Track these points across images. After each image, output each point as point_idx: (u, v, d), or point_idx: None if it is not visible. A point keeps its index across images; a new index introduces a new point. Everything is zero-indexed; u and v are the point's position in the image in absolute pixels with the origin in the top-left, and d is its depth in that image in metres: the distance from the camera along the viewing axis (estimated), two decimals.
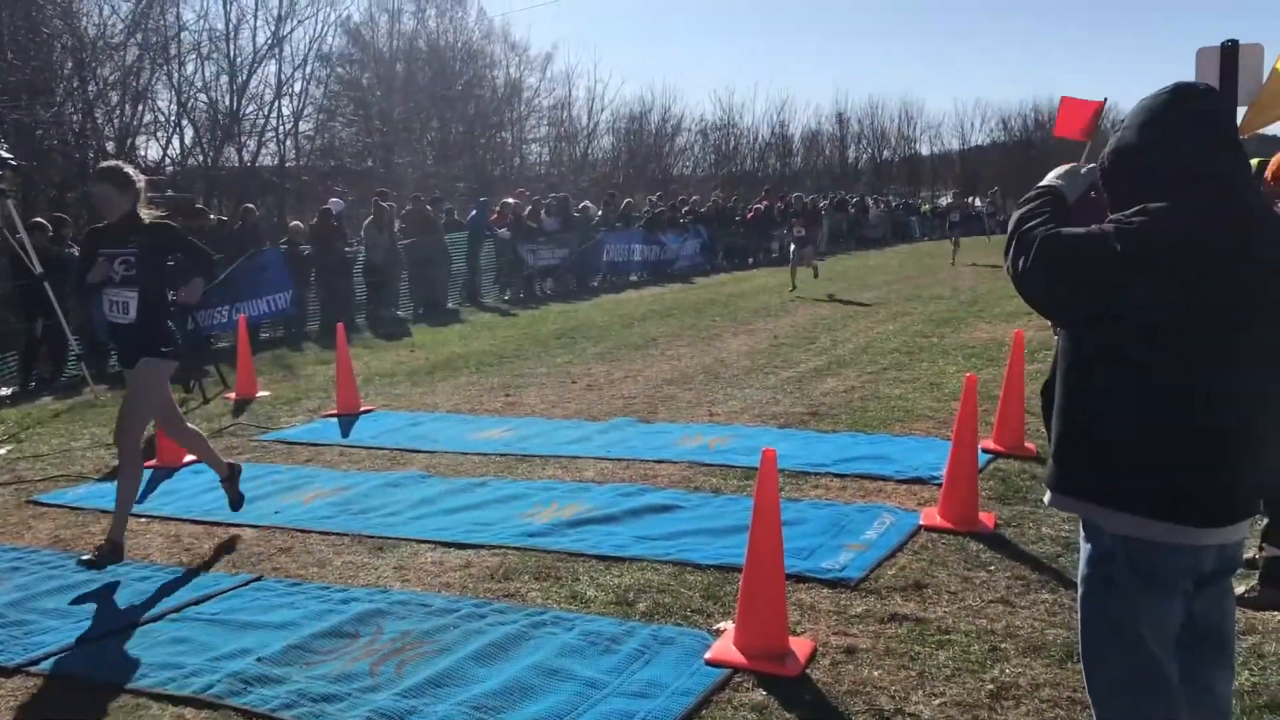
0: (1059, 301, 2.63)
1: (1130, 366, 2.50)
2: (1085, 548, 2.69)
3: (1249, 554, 4.57)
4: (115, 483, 6.06)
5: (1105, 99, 9.98)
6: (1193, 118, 2.57)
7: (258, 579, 5.45)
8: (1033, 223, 2.65)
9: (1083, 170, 2.82)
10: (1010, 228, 2.73)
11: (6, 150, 10.73)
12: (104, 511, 6.89)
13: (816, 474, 6.95)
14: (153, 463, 8.05)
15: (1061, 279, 2.56)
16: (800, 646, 4.30)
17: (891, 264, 21.76)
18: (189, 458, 8.13)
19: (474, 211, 20.95)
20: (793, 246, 19.84)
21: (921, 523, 5.83)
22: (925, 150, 71.43)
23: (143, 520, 6.70)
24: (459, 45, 41.82)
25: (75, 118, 27.15)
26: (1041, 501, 6.07)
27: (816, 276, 19.99)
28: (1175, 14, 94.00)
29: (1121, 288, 2.46)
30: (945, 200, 44.23)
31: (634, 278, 24.32)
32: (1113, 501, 2.56)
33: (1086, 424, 2.60)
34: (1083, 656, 2.75)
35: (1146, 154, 2.60)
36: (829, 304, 17.41)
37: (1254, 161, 5.22)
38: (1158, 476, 2.49)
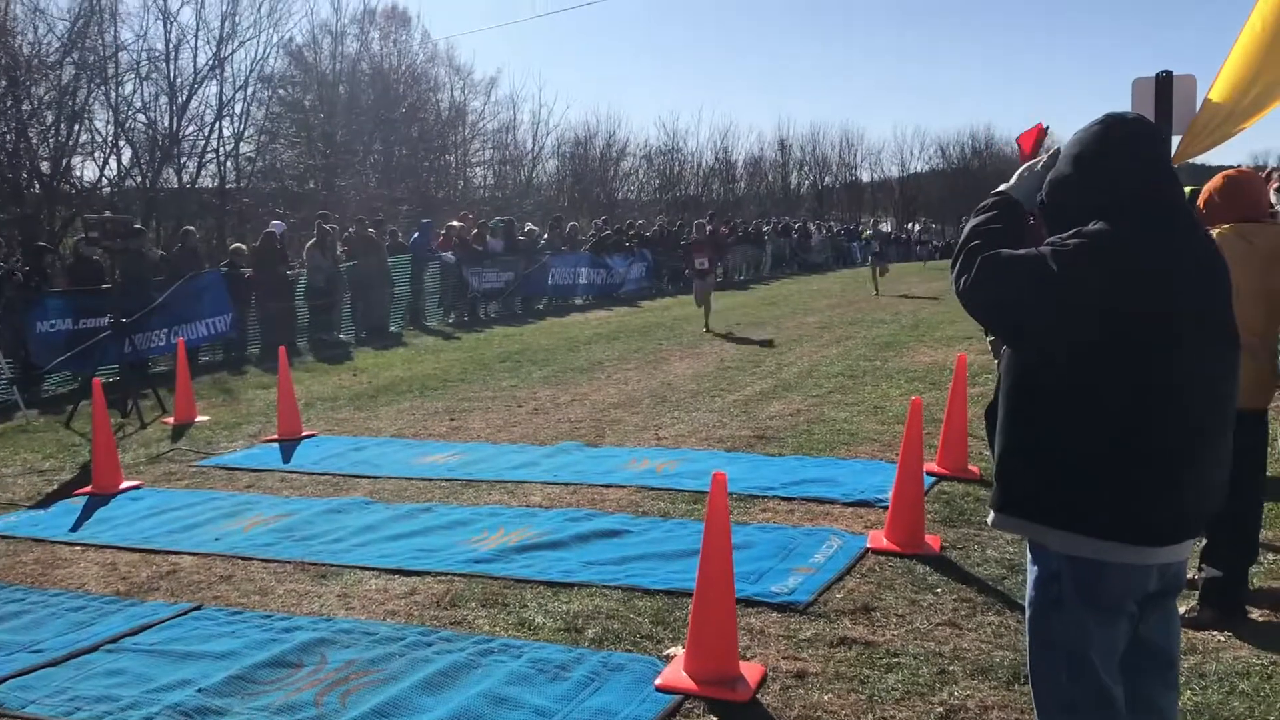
0: (999, 320, 2.69)
1: (1070, 387, 2.54)
2: (1032, 570, 2.71)
3: (1189, 574, 4.64)
4: (46, 511, 5.91)
5: (1043, 123, 10.22)
6: (1124, 147, 2.63)
7: (197, 608, 5.33)
8: (977, 241, 2.69)
9: (1038, 168, 2.86)
10: (960, 240, 2.77)
11: None
12: (37, 540, 6.74)
13: (764, 497, 6.96)
14: (88, 489, 7.88)
15: (1002, 299, 2.60)
16: (751, 671, 4.29)
17: (834, 289, 22.00)
18: (125, 483, 7.97)
19: (416, 234, 20.82)
20: (695, 281, 17.79)
21: (869, 545, 5.86)
22: (866, 177, 72.54)
23: (78, 548, 6.54)
24: (403, 68, 41.69)
25: (8, 137, 26.62)
26: (986, 524, 6.14)
27: (707, 326, 17.23)
28: (1112, 46, 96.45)
29: (1058, 308, 2.50)
30: (867, 230, 43.02)
31: (579, 301, 24.30)
32: (1056, 520, 2.58)
33: (1028, 444, 2.63)
34: (1031, 678, 2.77)
35: (1080, 184, 2.66)
36: (773, 328, 17.50)
37: (1186, 190, 5.34)
38: (1100, 496, 2.52)
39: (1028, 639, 2.73)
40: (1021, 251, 2.61)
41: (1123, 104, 6.41)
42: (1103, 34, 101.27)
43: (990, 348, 8.90)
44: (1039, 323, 2.55)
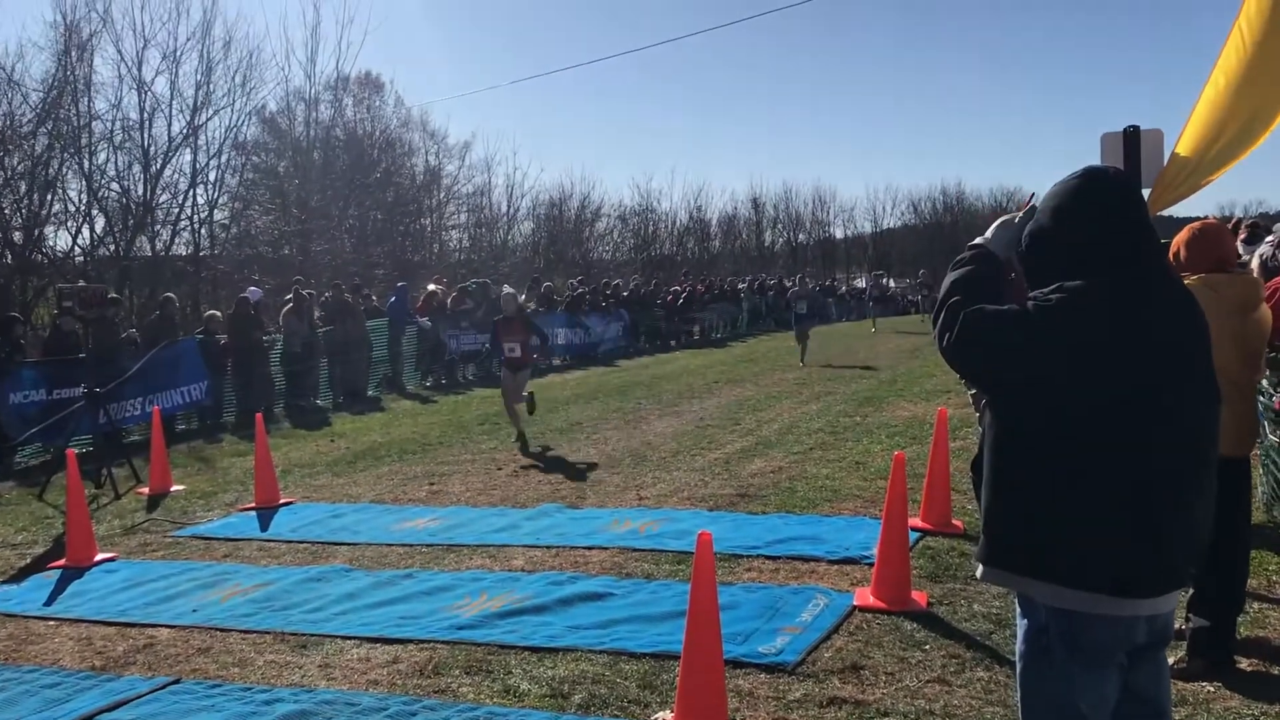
0: (981, 377, 2.71)
1: (1054, 439, 2.54)
2: (1021, 623, 2.70)
3: (1176, 625, 4.63)
4: (19, 585, 5.80)
5: (1032, 195, 10.42)
6: (1104, 200, 2.66)
7: (175, 681, 5.23)
8: (958, 297, 2.71)
9: (1016, 220, 2.89)
10: (940, 296, 2.78)
11: None
12: (9, 615, 6.61)
13: (749, 556, 6.92)
14: (61, 562, 7.76)
15: (984, 356, 2.62)
16: None
17: (812, 345, 22.06)
18: (100, 556, 7.85)
19: (393, 298, 20.81)
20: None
21: (855, 603, 5.82)
22: (839, 233, 73.26)
23: (52, 623, 6.42)
24: (377, 133, 41.91)
25: None
26: (973, 579, 6.12)
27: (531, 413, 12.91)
28: (1079, 101, 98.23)
29: (1041, 364, 2.52)
30: (793, 287, 40.89)
31: (557, 361, 24.28)
32: (1041, 573, 2.58)
33: (1014, 497, 2.63)
34: None
35: (1060, 237, 2.69)
36: (752, 384, 17.53)
37: None
38: (1084, 548, 2.52)
39: (1019, 693, 2.71)
40: (1004, 307, 2.63)
41: (1091, 158, 6.51)
42: (1070, 89, 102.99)
43: (971, 400, 8.92)
44: (1021, 377, 2.57)
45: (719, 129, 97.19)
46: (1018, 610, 2.71)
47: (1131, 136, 6.65)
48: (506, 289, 14.41)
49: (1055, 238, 2.70)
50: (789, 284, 32.42)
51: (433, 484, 10.18)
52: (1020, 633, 2.70)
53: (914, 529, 7.05)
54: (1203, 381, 2.61)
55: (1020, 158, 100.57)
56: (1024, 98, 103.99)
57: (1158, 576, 2.56)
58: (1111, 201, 2.66)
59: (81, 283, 15.26)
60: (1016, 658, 2.71)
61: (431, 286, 22.02)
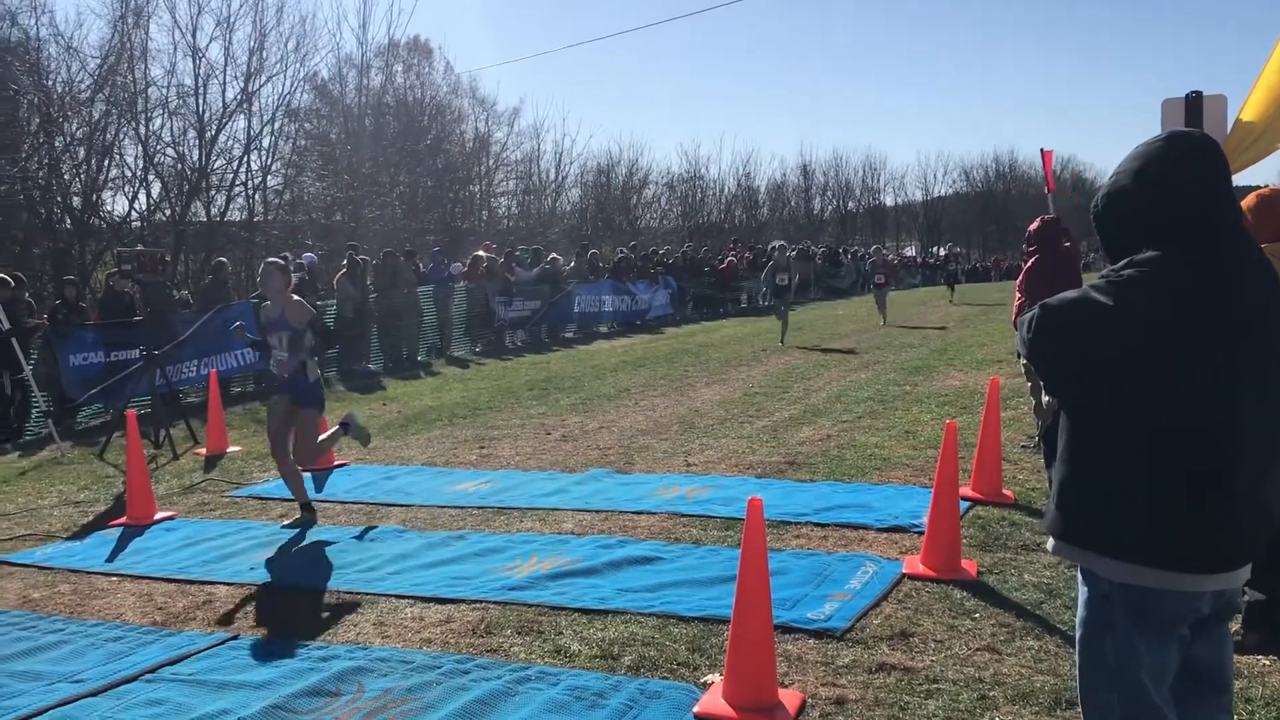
0: (1062, 364, 2.65)
1: (1126, 417, 2.52)
2: (1082, 591, 2.69)
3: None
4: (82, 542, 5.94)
5: (1041, 150, 10.28)
6: (1188, 164, 2.59)
7: (234, 637, 5.36)
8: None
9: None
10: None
11: None
12: (73, 570, 6.78)
13: (797, 523, 6.94)
14: (122, 520, 7.93)
15: (1059, 342, 2.58)
16: (789, 698, 4.26)
17: (860, 313, 21.86)
18: (159, 514, 8.02)
19: (432, 265, 20.99)
20: None
21: (904, 571, 5.82)
22: (889, 201, 72.58)
23: (114, 579, 6.58)
24: (427, 100, 42.06)
25: (40, 173, 27.00)
26: (1024, 548, 6.10)
27: None
28: (1139, 66, 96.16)
29: (1112, 343, 2.49)
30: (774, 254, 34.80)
31: (604, 329, 24.35)
32: (1113, 550, 2.56)
33: (1086, 473, 2.61)
34: (1081, 701, 2.74)
35: (1141, 200, 2.62)
36: (800, 353, 17.47)
37: None
38: (1156, 525, 2.50)
39: (1078, 661, 2.70)
40: (1073, 294, 2.60)
41: (1151, 126, 6.39)
42: (1130, 54, 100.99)
43: (1024, 372, 8.85)
44: (1094, 357, 2.53)
45: (769, 96, 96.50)
46: (1080, 579, 2.70)
47: (1194, 103, 6.52)
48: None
49: (1134, 201, 2.64)
50: (771, 249, 26.21)
51: (483, 448, 10.28)
52: (1081, 601, 2.69)
53: (964, 498, 7.01)
54: (1278, 354, 2.55)
55: (1076, 125, 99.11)
56: (1081, 63, 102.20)
57: (1226, 553, 2.54)
58: (1194, 165, 2.59)
59: (139, 247, 15.48)
60: (1077, 625, 2.70)
61: (482, 252, 22.11)
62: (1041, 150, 10.24)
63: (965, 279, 46.27)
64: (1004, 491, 7.29)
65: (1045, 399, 3.61)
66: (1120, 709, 2.60)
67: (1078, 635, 2.70)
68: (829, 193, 68.05)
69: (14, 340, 10.64)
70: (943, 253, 49.76)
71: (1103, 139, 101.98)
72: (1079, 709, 2.75)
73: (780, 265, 19.39)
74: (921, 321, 19.80)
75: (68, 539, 7.66)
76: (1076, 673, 2.72)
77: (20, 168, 25.46)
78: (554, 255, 25.09)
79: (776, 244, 26.25)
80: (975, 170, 74.83)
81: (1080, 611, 2.69)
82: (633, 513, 7.42)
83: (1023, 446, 8.82)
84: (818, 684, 4.48)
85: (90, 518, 8.29)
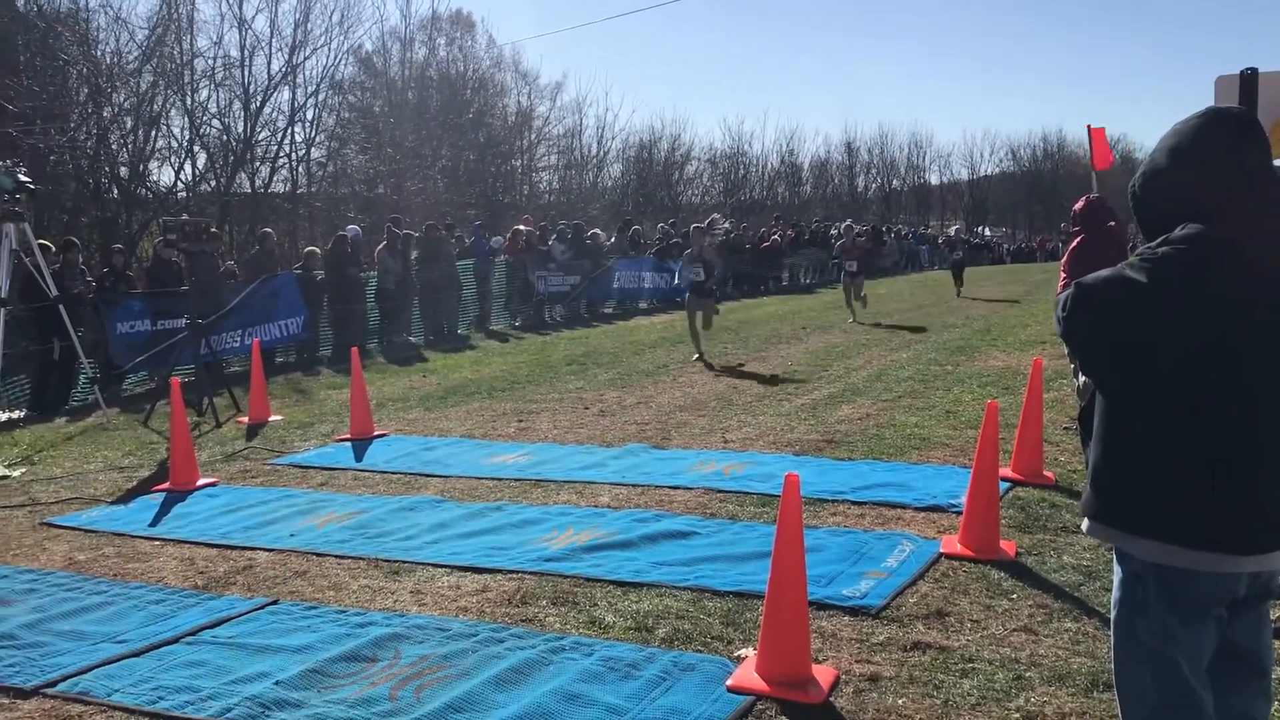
0: (1099, 346, 2.61)
1: (1165, 396, 2.48)
2: (1117, 571, 2.66)
3: None
4: (126, 506, 6.03)
5: (1088, 126, 10.08)
6: (1225, 141, 2.54)
7: (274, 602, 5.42)
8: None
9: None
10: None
11: (24, 174, 10.77)
12: (117, 534, 6.90)
13: (834, 501, 6.91)
14: (165, 486, 8.05)
15: (1092, 321, 2.55)
16: (823, 674, 4.26)
17: (903, 292, 21.67)
18: (202, 480, 8.13)
19: (473, 238, 21.07)
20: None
21: (942, 550, 5.78)
22: (935, 179, 71.89)
23: (157, 543, 6.69)
24: (470, 73, 42.12)
25: (89, 143, 27.33)
26: (1063, 530, 6.05)
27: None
28: (1192, 42, 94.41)
29: (1147, 322, 2.45)
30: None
31: (644, 305, 24.33)
32: (1146, 530, 2.53)
33: (1122, 454, 2.58)
34: (1115, 682, 2.71)
35: (1176, 177, 2.58)
36: (841, 332, 17.38)
37: None
38: (1191, 506, 2.47)
39: (1112, 642, 2.68)
40: (1108, 272, 2.56)
41: (1203, 103, 6.26)
42: (1182, 30, 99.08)
43: (1067, 352, 8.74)
44: (1129, 337, 2.50)
45: (814, 71, 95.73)
46: (1115, 558, 2.68)
47: (1249, 80, 6.36)
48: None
49: (1171, 179, 2.59)
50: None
51: (521, 421, 10.32)
52: (1116, 580, 2.66)
53: (1004, 479, 6.95)
54: None
55: (1127, 104, 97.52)
56: (1131, 39, 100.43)
57: (1264, 534, 2.50)
58: (1230, 142, 2.54)
59: (185, 216, 15.65)
60: (1111, 606, 2.68)
61: (522, 226, 22.15)
62: (1089, 127, 10.03)
63: (1009, 259, 45.73)
64: (1045, 473, 7.22)
65: (1081, 379, 3.57)
66: (1154, 690, 2.57)
67: (1112, 616, 2.67)
68: (873, 170, 67.52)
69: (62, 307, 10.78)
70: (950, 232, 46.12)
71: (1155, 118, 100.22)
72: (1115, 691, 2.73)
73: (695, 256, 19.21)
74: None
75: (112, 503, 7.78)
76: (1111, 653, 2.70)
77: (69, 137, 25.77)
78: (595, 230, 25.07)
79: (844, 223, 26.53)
80: (1023, 149, 73.90)
81: (1115, 592, 2.66)
82: (669, 487, 7.42)
83: (1065, 428, 8.72)
84: (852, 661, 4.47)
85: (134, 483, 8.42)
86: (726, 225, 25.32)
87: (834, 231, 27.01)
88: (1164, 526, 2.50)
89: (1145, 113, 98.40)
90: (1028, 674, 4.28)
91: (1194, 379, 2.45)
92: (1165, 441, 2.49)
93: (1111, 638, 2.69)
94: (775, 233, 31.82)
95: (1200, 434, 2.45)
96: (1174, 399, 2.47)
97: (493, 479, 7.93)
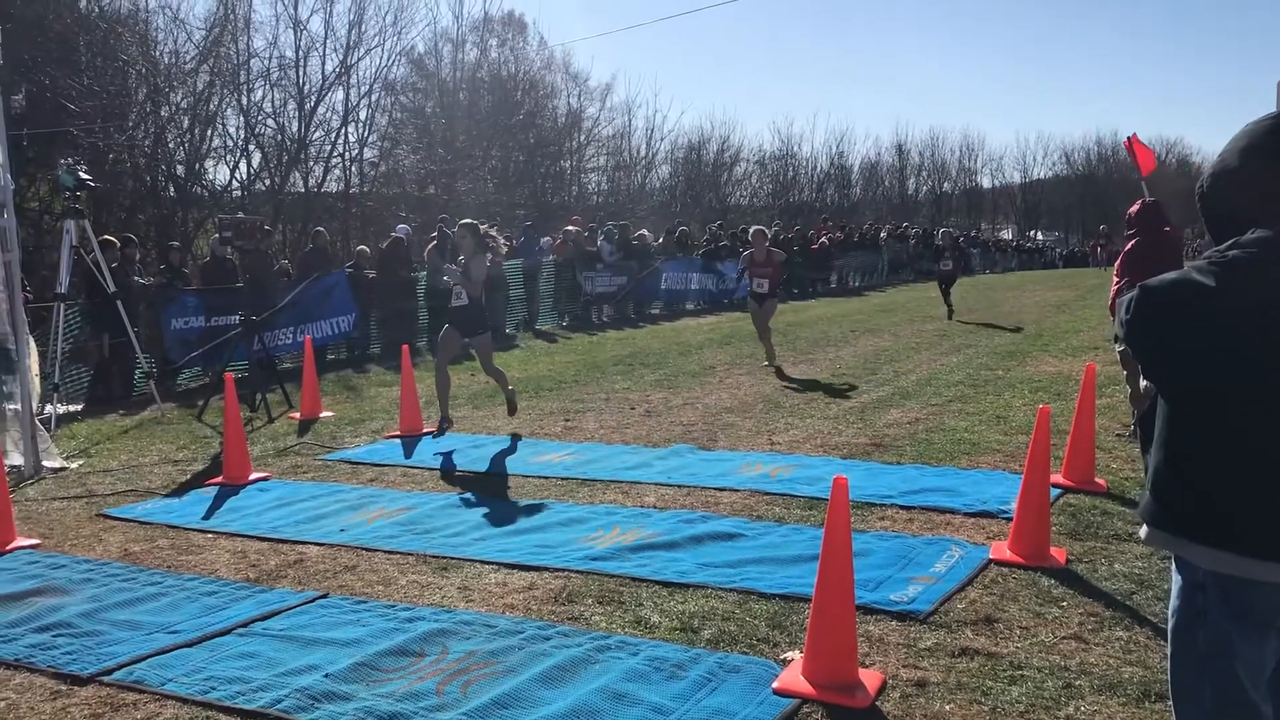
0: (1163, 351, 2.57)
1: (1230, 402, 2.44)
2: (1176, 579, 2.61)
3: None
4: (180, 499, 6.12)
5: (1131, 136, 9.95)
6: None
7: (324, 596, 5.49)
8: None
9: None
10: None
11: (85, 172, 10.98)
12: (171, 526, 7.01)
13: (882, 505, 6.87)
14: (219, 479, 8.17)
15: (1158, 327, 2.51)
16: (870, 678, 4.24)
17: (954, 296, 21.47)
18: (254, 475, 8.24)
19: (522, 238, 21.18)
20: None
21: (991, 556, 5.73)
22: (986, 183, 71.16)
23: (210, 535, 6.79)
24: (520, 75, 42.33)
25: (146, 142, 27.79)
26: (1115, 537, 5.97)
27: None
28: (1251, 46, 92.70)
29: (1216, 325, 2.41)
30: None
31: (691, 306, 24.32)
32: (1208, 538, 2.48)
33: (1183, 461, 2.53)
34: (1172, 692, 2.67)
35: (1247, 179, 2.53)
36: (890, 335, 17.26)
37: None
38: (1255, 513, 2.42)
39: (1169, 651, 2.63)
40: (1174, 275, 2.51)
41: (1263, 106, 6.16)
42: (1241, 33, 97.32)
43: (1120, 358, 8.64)
44: (1195, 343, 2.45)
45: (865, 72, 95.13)
46: (1174, 565, 2.63)
47: None
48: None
49: (1242, 180, 2.54)
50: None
51: (568, 420, 10.36)
52: (1174, 589, 2.62)
53: (1055, 485, 6.88)
54: None
55: (1183, 107, 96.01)
56: (1189, 41, 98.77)
57: None
58: None
59: (240, 214, 15.87)
60: (1169, 615, 2.63)
61: (571, 227, 22.23)
62: (1125, 143, 9.88)
63: (1061, 264, 45.17)
64: (1096, 480, 7.13)
65: (1143, 383, 3.52)
66: (1212, 703, 2.53)
67: (1169, 625, 2.63)
68: (924, 173, 66.98)
69: (120, 302, 10.98)
70: (938, 235, 43.25)
71: (1211, 121, 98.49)
72: (1168, 702, 2.69)
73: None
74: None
75: (167, 496, 7.91)
76: (1168, 664, 2.66)
77: (128, 136, 26.24)
78: (642, 231, 25.10)
79: (943, 229, 28.04)
80: (1076, 152, 72.99)
81: (1173, 601, 2.62)
82: (715, 489, 7.42)
83: (1117, 435, 8.61)
84: (899, 665, 4.44)
85: (188, 476, 8.56)
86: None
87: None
88: (1227, 535, 2.46)
89: (1201, 115, 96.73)
90: (1077, 682, 4.23)
91: (1261, 385, 2.40)
92: (1228, 448, 2.44)
93: (1168, 647, 2.65)
94: (824, 235, 31.65)
95: (1265, 441, 2.41)
96: (1239, 405, 2.43)
97: (539, 477, 7.97)
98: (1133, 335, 2.59)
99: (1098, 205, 69.27)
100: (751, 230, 15.99)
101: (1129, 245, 8.11)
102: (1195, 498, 2.50)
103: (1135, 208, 8.25)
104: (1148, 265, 7.03)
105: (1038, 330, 17.55)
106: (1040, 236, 67.46)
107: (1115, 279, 8.06)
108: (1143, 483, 2.68)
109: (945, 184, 68.10)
